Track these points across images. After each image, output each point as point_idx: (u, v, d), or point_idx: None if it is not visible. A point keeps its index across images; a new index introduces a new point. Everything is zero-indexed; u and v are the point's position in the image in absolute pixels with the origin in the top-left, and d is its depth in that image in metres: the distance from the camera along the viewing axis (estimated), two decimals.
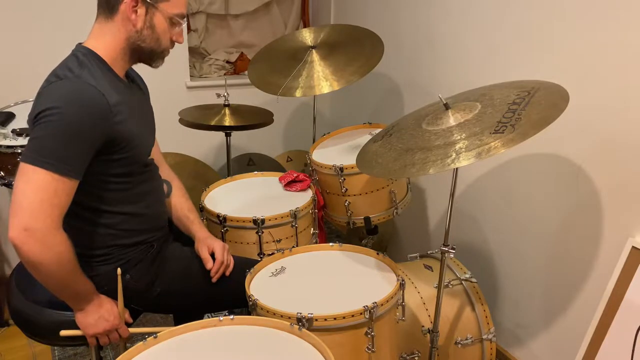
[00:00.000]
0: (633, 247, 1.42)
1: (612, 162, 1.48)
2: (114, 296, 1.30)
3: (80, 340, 1.30)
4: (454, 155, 1.15)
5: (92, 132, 1.17)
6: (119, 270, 1.27)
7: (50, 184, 1.12)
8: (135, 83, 1.44)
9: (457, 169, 1.30)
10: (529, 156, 1.75)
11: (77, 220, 1.29)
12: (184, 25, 1.34)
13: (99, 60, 1.26)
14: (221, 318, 1.16)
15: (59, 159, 1.13)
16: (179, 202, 1.56)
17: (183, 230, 1.55)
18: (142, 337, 1.11)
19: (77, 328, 1.27)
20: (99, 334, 1.27)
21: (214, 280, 1.43)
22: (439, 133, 1.25)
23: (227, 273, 1.46)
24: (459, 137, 1.19)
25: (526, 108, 1.17)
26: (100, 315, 1.26)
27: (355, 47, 2.06)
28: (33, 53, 2.29)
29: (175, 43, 1.35)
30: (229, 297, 1.47)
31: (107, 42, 1.27)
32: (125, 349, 1.13)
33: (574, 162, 1.59)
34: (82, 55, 1.24)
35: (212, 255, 1.45)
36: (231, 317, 1.17)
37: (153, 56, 1.32)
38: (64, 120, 1.13)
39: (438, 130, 1.27)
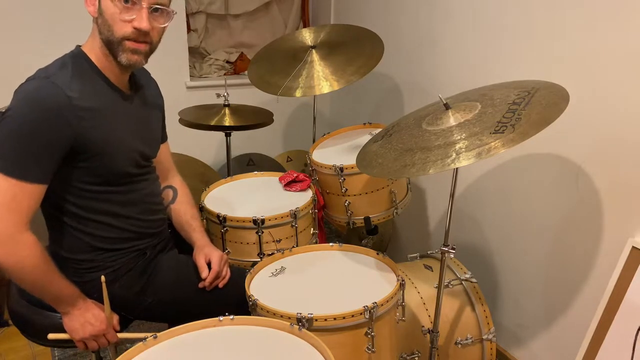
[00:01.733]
0: (633, 247, 1.42)
1: (612, 161, 1.48)
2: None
3: (70, 344, 1.29)
4: (454, 155, 1.15)
5: (50, 132, 1.12)
6: (102, 278, 1.23)
7: (8, 189, 1.10)
8: (140, 92, 1.38)
9: (457, 169, 1.30)
10: (529, 156, 1.75)
11: (59, 225, 1.27)
12: (144, 6, 1.17)
13: (86, 62, 1.23)
14: (221, 318, 1.16)
15: (16, 162, 1.10)
16: (183, 209, 1.53)
17: (184, 237, 1.52)
18: (132, 342, 1.09)
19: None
20: (85, 339, 1.26)
21: (208, 289, 1.39)
22: (439, 133, 1.25)
23: (221, 285, 1.41)
24: (459, 137, 1.19)
25: (526, 108, 1.17)
26: (86, 319, 1.25)
27: (355, 47, 2.06)
28: (32, 53, 2.29)
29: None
30: (222, 308, 1.39)
31: (93, 42, 1.24)
32: (116, 353, 1.12)
33: (574, 162, 1.59)
34: (71, 57, 1.23)
35: (210, 265, 1.40)
36: (231, 317, 1.17)
37: (112, 47, 1.21)
38: (18, 121, 1.11)
39: (438, 130, 1.27)
